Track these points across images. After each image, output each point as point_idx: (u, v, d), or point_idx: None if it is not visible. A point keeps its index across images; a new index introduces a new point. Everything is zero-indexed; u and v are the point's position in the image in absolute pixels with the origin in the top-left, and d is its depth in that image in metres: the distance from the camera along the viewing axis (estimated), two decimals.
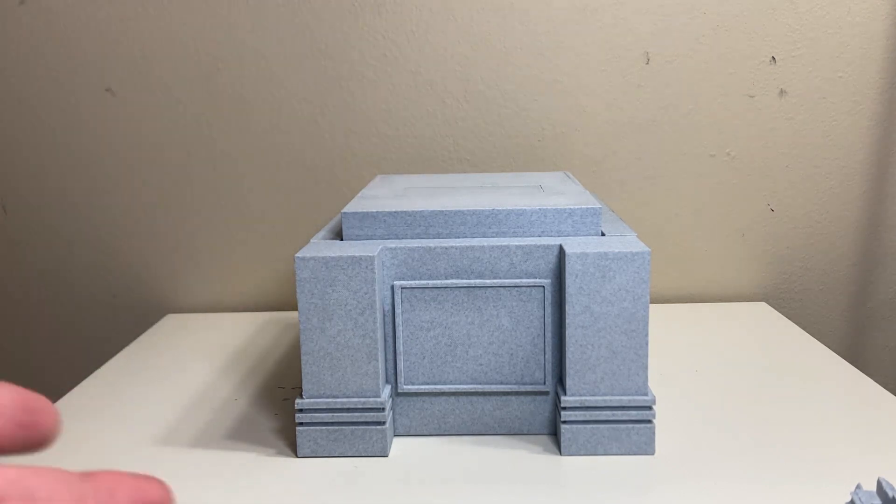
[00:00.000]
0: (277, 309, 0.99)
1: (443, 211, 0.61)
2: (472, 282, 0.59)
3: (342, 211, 0.61)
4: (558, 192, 0.68)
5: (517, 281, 0.59)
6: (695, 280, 0.97)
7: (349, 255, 0.57)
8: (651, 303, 0.96)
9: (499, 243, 0.59)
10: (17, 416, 0.21)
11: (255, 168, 0.94)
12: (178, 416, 0.68)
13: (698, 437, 0.61)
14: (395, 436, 0.62)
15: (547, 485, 0.54)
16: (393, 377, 0.61)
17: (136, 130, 0.94)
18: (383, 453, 0.59)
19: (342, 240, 0.62)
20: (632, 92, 0.92)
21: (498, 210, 0.61)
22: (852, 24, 0.89)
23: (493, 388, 0.61)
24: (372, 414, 0.59)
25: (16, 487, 0.19)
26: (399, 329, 0.60)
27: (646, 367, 0.58)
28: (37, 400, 0.21)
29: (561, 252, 0.58)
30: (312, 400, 0.59)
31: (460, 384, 0.61)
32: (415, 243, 0.60)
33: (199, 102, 0.93)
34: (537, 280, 0.59)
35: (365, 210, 0.61)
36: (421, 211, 0.61)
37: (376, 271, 0.57)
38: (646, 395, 0.58)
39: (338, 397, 0.59)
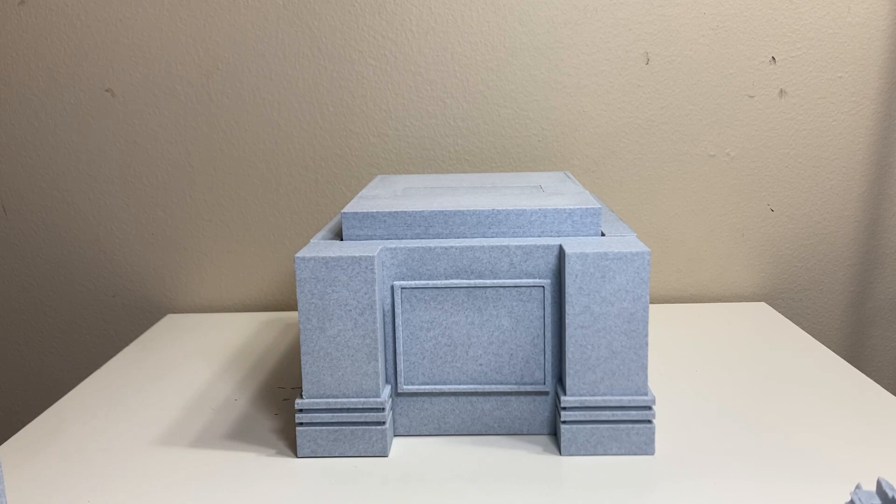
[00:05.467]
0: (277, 309, 0.99)
1: (443, 211, 0.61)
2: (472, 282, 0.59)
3: (342, 211, 0.61)
4: (558, 192, 0.68)
5: (517, 281, 0.59)
6: (695, 280, 0.97)
7: (349, 255, 0.57)
8: (651, 303, 0.96)
9: (499, 243, 0.59)
10: None
11: (255, 168, 0.94)
12: (178, 416, 0.68)
13: (698, 437, 0.61)
14: (395, 436, 0.62)
15: (547, 485, 0.54)
16: (393, 377, 0.61)
17: (136, 130, 0.94)
18: (383, 453, 0.59)
19: (342, 240, 0.62)
20: (632, 92, 0.92)
21: (498, 210, 0.61)
22: (852, 24, 0.89)
23: (493, 388, 0.61)
24: (372, 414, 0.59)
25: None
26: (399, 329, 0.60)
27: (646, 367, 0.58)
28: None
29: (561, 252, 0.58)
30: (312, 400, 0.59)
31: (460, 384, 0.61)
32: (415, 243, 0.60)
33: (199, 102, 0.93)
34: (537, 280, 0.59)
35: (365, 210, 0.61)
36: (421, 211, 0.61)
37: (376, 271, 0.57)
38: (646, 395, 0.58)
39: (338, 397, 0.59)
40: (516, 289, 0.59)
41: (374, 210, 0.61)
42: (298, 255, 0.57)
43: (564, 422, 0.58)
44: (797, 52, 0.90)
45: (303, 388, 0.59)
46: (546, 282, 0.59)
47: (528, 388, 0.60)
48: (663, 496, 0.53)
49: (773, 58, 0.91)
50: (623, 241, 0.59)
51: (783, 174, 0.94)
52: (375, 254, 0.57)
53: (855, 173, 0.93)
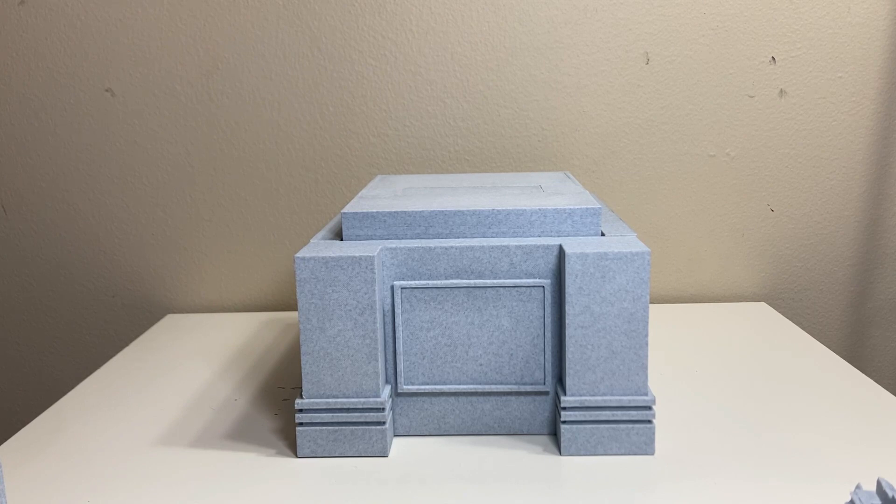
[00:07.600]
0: (277, 309, 0.99)
1: (443, 211, 0.61)
2: (472, 282, 0.59)
3: (342, 211, 0.61)
4: (558, 192, 0.68)
5: (517, 281, 0.59)
6: (695, 280, 0.97)
7: (349, 255, 0.57)
8: (651, 303, 0.96)
9: (499, 243, 0.59)
10: None
11: (255, 168, 0.94)
12: (178, 416, 0.68)
13: (698, 437, 0.61)
14: (395, 436, 0.62)
15: (547, 485, 0.54)
16: (393, 377, 0.61)
17: (136, 130, 0.94)
18: (383, 453, 0.59)
19: (342, 240, 0.62)
20: (632, 92, 0.92)
21: (498, 210, 0.61)
22: (852, 24, 0.89)
23: (493, 388, 0.61)
24: (372, 414, 0.59)
25: None
26: (399, 329, 0.60)
27: (646, 367, 0.58)
28: None
29: (561, 252, 0.58)
30: (312, 400, 0.59)
31: (460, 384, 0.61)
32: (415, 243, 0.60)
33: (199, 102, 0.93)
34: (537, 280, 0.59)
35: (365, 210, 0.61)
36: (421, 211, 0.61)
37: (376, 271, 0.57)
38: (646, 395, 0.58)
39: (338, 397, 0.59)
40: (516, 289, 0.59)
41: (374, 210, 0.61)
42: (298, 255, 0.57)
43: (564, 422, 0.58)
44: (797, 52, 0.90)
45: (303, 388, 0.59)
46: (546, 282, 0.59)
47: (528, 388, 0.60)
48: (663, 496, 0.53)
49: (773, 58, 0.91)
50: (623, 241, 0.59)
51: (783, 174, 0.94)
52: (375, 254, 0.57)
53: (855, 173, 0.93)
